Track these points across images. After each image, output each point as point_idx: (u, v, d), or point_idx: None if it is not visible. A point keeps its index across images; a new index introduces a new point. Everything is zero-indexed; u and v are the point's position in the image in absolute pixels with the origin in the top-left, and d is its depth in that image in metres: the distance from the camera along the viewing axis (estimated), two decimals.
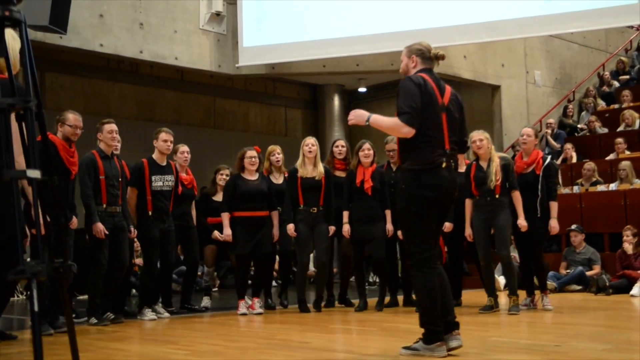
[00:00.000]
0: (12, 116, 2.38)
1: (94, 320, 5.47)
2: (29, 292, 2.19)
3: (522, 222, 5.87)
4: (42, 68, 10.42)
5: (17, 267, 2.18)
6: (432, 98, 3.65)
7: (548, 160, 6.16)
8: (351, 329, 5.41)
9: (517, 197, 5.91)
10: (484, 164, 5.98)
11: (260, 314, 6.20)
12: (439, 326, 3.57)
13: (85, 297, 7.29)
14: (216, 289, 9.61)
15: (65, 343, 2.55)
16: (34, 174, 2.26)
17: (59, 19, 7.82)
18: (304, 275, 6.66)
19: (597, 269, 8.12)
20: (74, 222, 5.36)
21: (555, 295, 7.37)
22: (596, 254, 8.28)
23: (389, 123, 3.63)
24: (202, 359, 3.87)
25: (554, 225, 6.00)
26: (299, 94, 14.42)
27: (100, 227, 5.44)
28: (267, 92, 13.95)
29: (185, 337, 4.94)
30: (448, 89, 3.81)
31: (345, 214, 6.38)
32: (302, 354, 3.95)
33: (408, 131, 3.56)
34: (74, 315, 5.26)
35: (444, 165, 3.63)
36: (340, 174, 6.67)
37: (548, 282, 7.81)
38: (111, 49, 9.39)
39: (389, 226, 6.31)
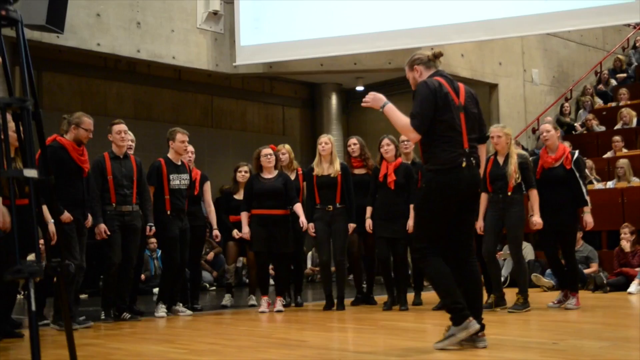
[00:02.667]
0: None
1: (103, 315, 5.70)
2: (26, 292, 2.18)
3: (537, 219, 5.81)
4: (39, 67, 10.41)
5: (14, 266, 2.17)
6: (447, 100, 3.74)
7: (577, 154, 6.06)
8: (349, 327, 5.42)
9: (534, 195, 5.85)
10: (500, 160, 5.95)
11: (280, 311, 6.22)
12: (461, 303, 3.66)
13: (85, 296, 7.32)
14: (213, 287, 9.63)
15: (63, 342, 2.55)
16: (31, 173, 2.25)
17: (56, 18, 7.81)
18: (329, 272, 6.65)
19: (594, 266, 8.13)
20: (89, 221, 5.45)
21: (553, 293, 7.38)
22: (594, 252, 8.29)
23: (400, 122, 3.75)
24: (200, 358, 3.86)
25: (589, 220, 5.98)
26: (297, 93, 14.40)
27: (101, 228, 5.57)
28: (265, 91, 13.94)
29: (183, 336, 4.94)
30: (462, 87, 3.91)
31: (368, 210, 6.36)
32: (299, 353, 3.95)
33: (414, 137, 3.73)
34: (83, 317, 5.38)
35: (464, 164, 3.72)
36: (359, 171, 6.66)
37: (546, 280, 7.86)
38: (108, 48, 9.37)
39: (410, 222, 6.12)
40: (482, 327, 3.77)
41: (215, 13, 10.47)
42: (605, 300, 6.74)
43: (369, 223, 6.35)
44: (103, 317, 5.75)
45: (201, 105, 13.06)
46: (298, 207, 6.35)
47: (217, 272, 10.07)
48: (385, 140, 6.38)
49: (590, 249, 8.30)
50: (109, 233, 5.61)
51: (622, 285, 7.45)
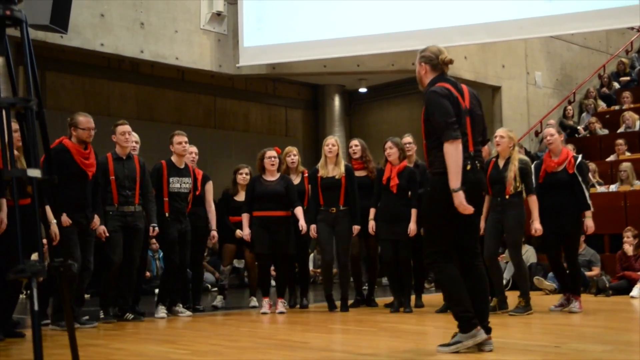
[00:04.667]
0: None
1: (102, 314, 5.68)
2: (29, 291, 2.18)
3: (537, 226, 5.82)
4: (42, 67, 10.43)
5: (17, 266, 2.18)
6: (457, 105, 3.74)
7: (580, 159, 6.07)
8: (351, 329, 5.41)
9: (533, 201, 5.85)
10: (501, 163, 5.94)
11: (282, 313, 6.23)
12: (471, 312, 3.66)
13: (88, 296, 7.31)
14: (215, 288, 9.62)
15: (65, 342, 2.56)
16: (35, 173, 2.26)
17: (60, 18, 7.82)
18: (330, 273, 6.66)
19: (596, 270, 8.12)
20: (96, 222, 5.45)
21: (556, 297, 7.37)
22: (596, 256, 8.28)
23: (451, 160, 3.61)
24: (201, 359, 3.87)
25: (590, 224, 5.95)
26: (300, 94, 14.42)
27: (100, 230, 5.56)
28: (268, 92, 13.96)
29: (185, 336, 4.94)
30: (465, 89, 3.89)
31: (372, 211, 6.36)
32: (301, 354, 3.95)
33: (458, 142, 3.64)
34: (86, 317, 5.37)
35: (468, 167, 3.71)
36: (359, 173, 6.65)
37: (548, 283, 7.85)
38: (112, 48, 9.39)
39: (412, 225, 6.16)
40: (489, 331, 3.77)
41: (218, 14, 10.49)
42: (607, 304, 6.73)
43: (371, 225, 6.35)
44: (102, 317, 5.74)
45: (204, 106, 13.08)
46: (298, 211, 6.36)
47: (219, 273, 10.07)
48: (388, 144, 6.37)
49: (592, 253, 8.30)
50: (106, 234, 5.61)
51: (624, 289, 7.44)
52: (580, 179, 5.93)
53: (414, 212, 6.18)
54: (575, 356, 3.64)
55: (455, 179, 3.62)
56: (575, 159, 6.03)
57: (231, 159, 11.49)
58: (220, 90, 13.08)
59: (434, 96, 3.73)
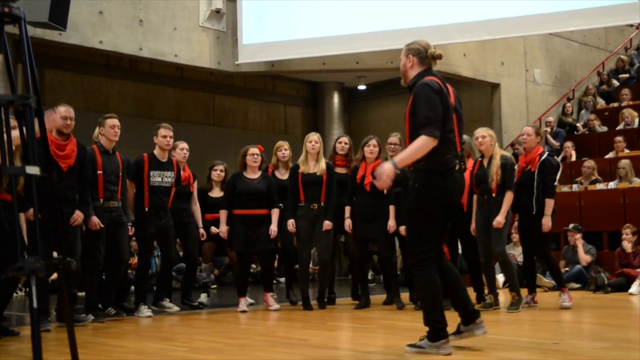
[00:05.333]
0: None
1: (91, 317, 5.44)
2: (28, 289, 2.19)
3: (499, 219, 5.78)
4: (41, 65, 10.41)
5: (16, 263, 2.18)
6: (447, 101, 3.67)
7: (544, 156, 6.10)
8: (351, 326, 5.42)
9: (507, 196, 5.85)
10: (485, 162, 5.98)
11: (277, 310, 6.23)
12: (442, 323, 3.61)
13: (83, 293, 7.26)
14: (214, 285, 9.62)
15: (64, 339, 2.56)
16: (33, 170, 2.26)
17: (59, 15, 7.82)
18: (307, 272, 6.62)
19: (589, 259, 8.13)
20: (76, 218, 5.23)
21: (554, 294, 7.38)
22: (593, 250, 8.34)
23: (417, 149, 3.53)
24: (200, 356, 3.87)
25: (544, 222, 5.95)
26: (299, 92, 14.41)
27: (95, 220, 5.42)
28: (267, 90, 13.95)
29: (183, 334, 4.94)
30: (450, 87, 3.81)
31: (347, 209, 6.36)
32: (301, 351, 3.95)
33: (434, 143, 3.55)
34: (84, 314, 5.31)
35: (456, 167, 3.68)
36: (340, 170, 6.63)
37: (547, 280, 7.86)
38: (111, 46, 9.38)
39: (391, 222, 6.17)
40: (477, 314, 3.74)
41: (217, 11, 10.47)
42: (606, 301, 6.75)
43: (347, 223, 6.35)
44: (91, 319, 5.37)
45: (203, 103, 13.06)
46: (275, 213, 6.29)
47: (219, 270, 10.07)
48: (373, 142, 6.36)
49: (589, 247, 8.34)
50: (102, 226, 5.45)
51: (623, 286, 7.45)
52: (538, 179, 5.96)
53: (391, 208, 6.19)
54: (574, 353, 3.65)
55: (405, 160, 3.56)
56: (541, 156, 6.07)
57: (230, 156, 11.43)
58: (219, 88, 13.06)
59: (426, 89, 3.62)
